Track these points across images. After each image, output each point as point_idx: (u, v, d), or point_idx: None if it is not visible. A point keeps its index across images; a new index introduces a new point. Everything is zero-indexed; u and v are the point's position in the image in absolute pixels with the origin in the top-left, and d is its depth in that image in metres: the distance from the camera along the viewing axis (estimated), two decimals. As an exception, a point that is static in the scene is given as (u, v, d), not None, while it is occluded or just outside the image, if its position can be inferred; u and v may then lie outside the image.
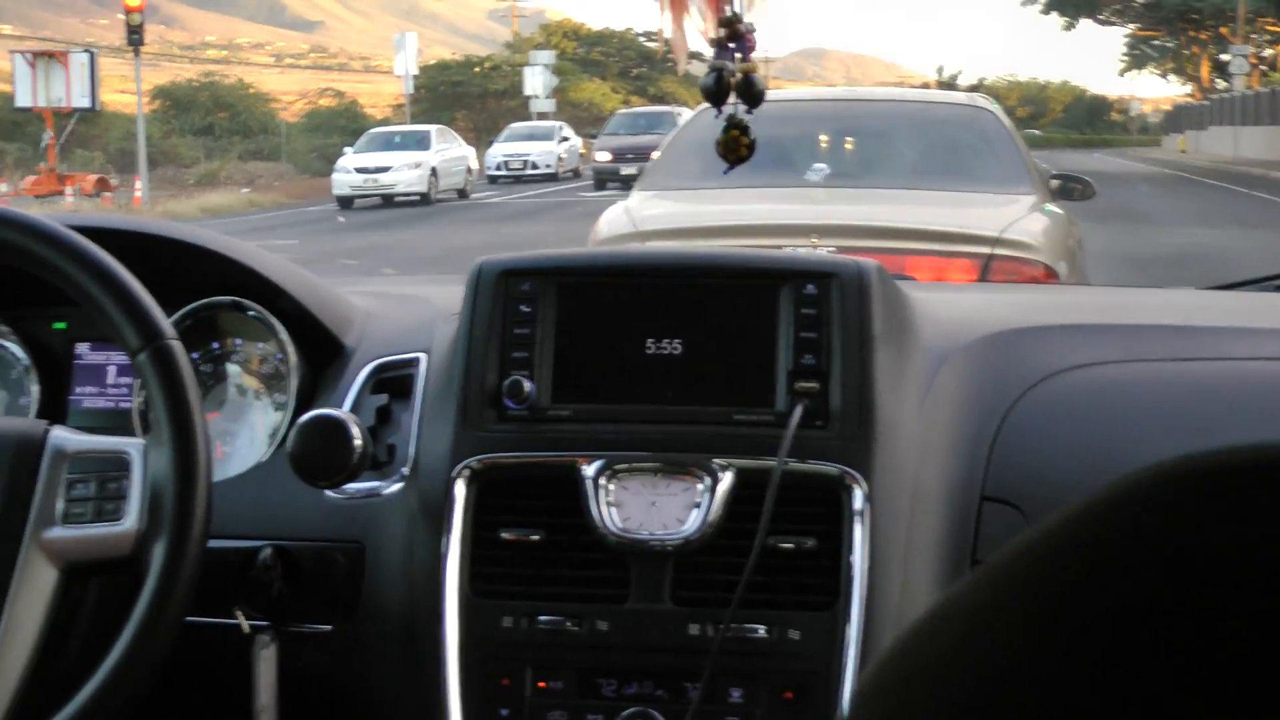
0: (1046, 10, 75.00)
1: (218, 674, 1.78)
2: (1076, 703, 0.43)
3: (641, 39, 73.71)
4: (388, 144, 30.79)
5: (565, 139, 39.21)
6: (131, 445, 1.52)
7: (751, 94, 1.75)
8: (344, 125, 47.34)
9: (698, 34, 1.70)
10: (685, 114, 37.60)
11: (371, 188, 29.13)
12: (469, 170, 32.50)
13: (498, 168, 37.21)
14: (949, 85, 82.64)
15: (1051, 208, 5.68)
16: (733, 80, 1.72)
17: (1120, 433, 1.71)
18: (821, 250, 4.35)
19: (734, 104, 1.69)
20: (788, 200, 5.66)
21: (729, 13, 1.69)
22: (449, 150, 31.67)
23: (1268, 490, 0.45)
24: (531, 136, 38.75)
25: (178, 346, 1.49)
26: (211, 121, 47.34)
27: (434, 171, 30.11)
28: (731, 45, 1.74)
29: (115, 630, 1.43)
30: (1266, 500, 0.45)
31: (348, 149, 31.70)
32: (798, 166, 6.05)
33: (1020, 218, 5.22)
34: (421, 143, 30.73)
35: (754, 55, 1.72)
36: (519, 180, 36.51)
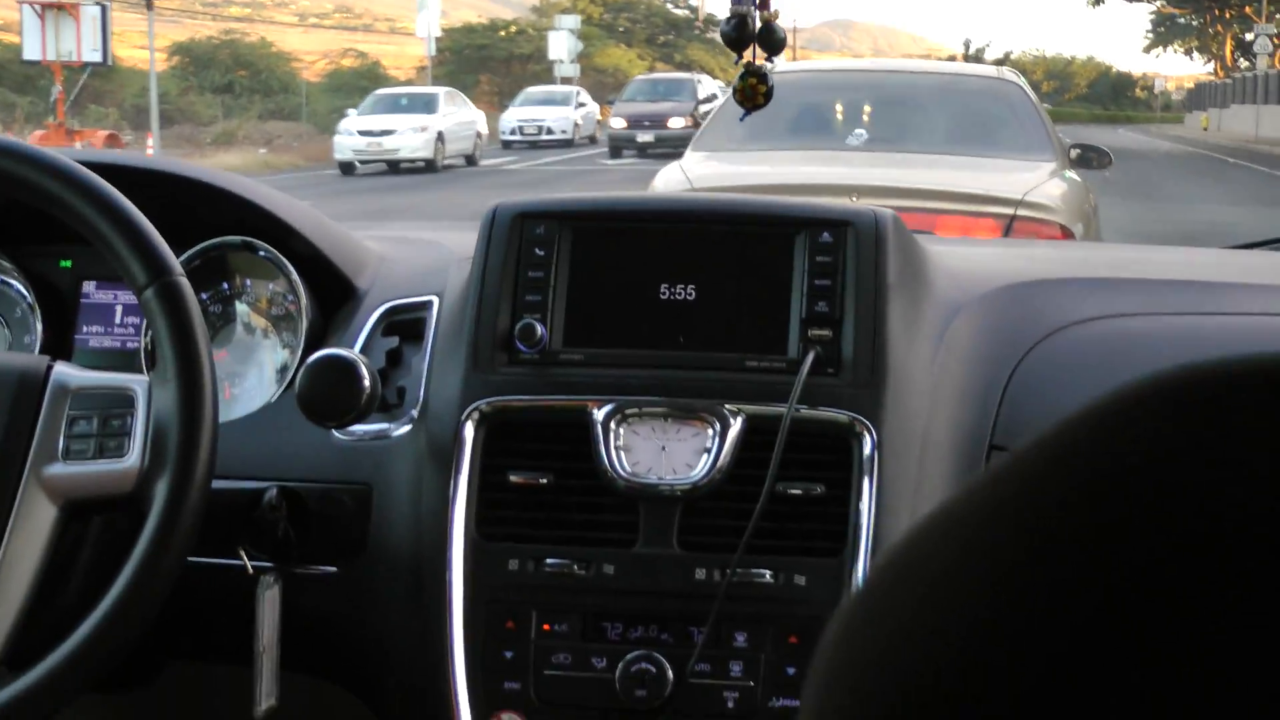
0: (1073, -15, 74.60)
1: (221, 614, 1.77)
2: (1055, 652, 0.37)
3: (669, 5, 73.48)
4: (394, 106, 29.22)
5: (582, 105, 38.73)
6: (136, 381, 1.50)
7: (772, 41, 1.74)
8: (365, 86, 46.60)
9: None
10: (706, 81, 36.97)
11: (375, 152, 27.41)
12: (478, 135, 31.07)
13: (512, 133, 36.62)
14: (976, 59, 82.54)
15: (1070, 174, 6.13)
16: (754, 27, 1.70)
17: None
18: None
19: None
20: (830, 163, 6.11)
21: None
22: (457, 114, 30.22)
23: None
24: (548, 101, 38.13)
25: (184, 283, 1.47)
26: (231, 79, 47.11)
27: (440, 136, 28.43)
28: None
29: (116, 569, 1.42)
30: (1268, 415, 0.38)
31: (350, 110, 30.23)
32: (839, 132, 6.71)
33: (1041, 182, 5.61)
34: (429, 105, 29.14)
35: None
36: (534, 146, 36.02)
